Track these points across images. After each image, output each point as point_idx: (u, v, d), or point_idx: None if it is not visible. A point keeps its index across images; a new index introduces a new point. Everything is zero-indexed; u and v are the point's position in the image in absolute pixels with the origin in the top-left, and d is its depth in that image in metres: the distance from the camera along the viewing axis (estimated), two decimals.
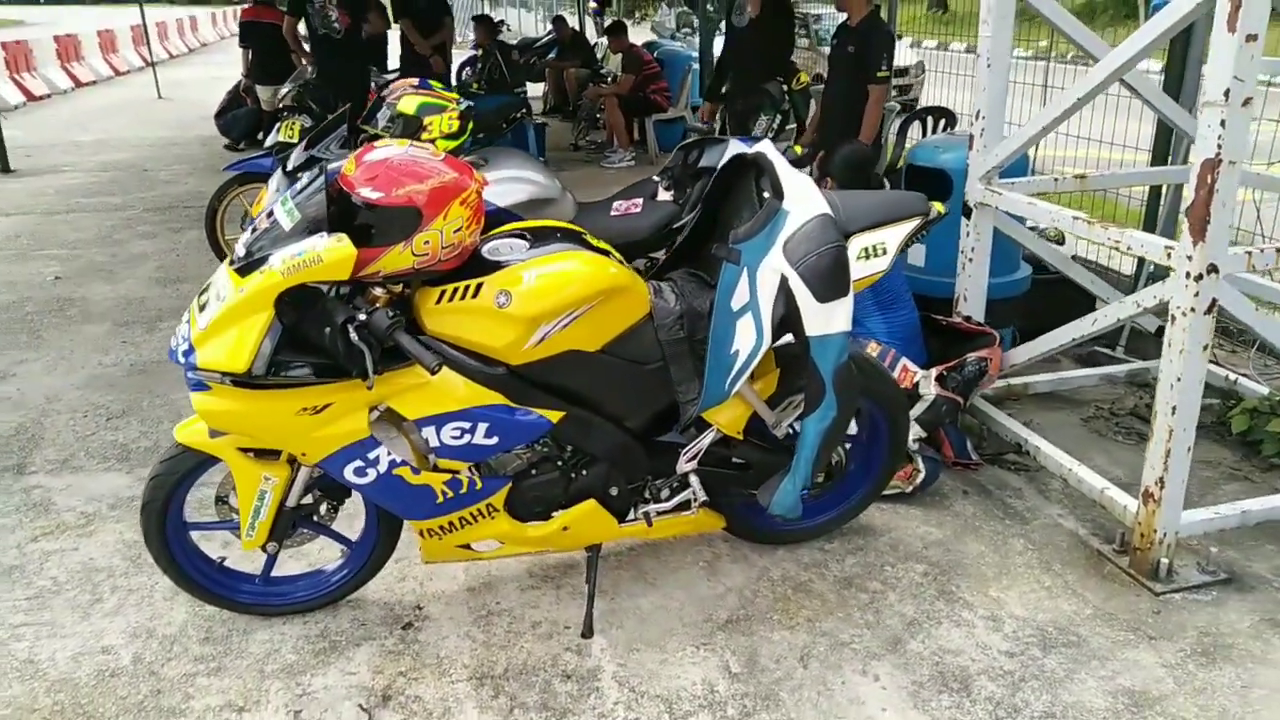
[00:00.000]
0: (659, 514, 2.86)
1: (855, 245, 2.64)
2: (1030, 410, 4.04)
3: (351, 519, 2.84)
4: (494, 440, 2.53)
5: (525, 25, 23.63)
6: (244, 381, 2.32)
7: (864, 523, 3.27)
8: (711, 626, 2.78)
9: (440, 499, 2.57)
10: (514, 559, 3.03)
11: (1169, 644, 2.69)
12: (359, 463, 2.47)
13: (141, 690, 2.55)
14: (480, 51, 10.75)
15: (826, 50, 7.31)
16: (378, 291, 2.41)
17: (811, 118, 6.48)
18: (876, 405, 3.02)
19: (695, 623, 2.80)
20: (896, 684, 2.56)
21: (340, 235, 2.26)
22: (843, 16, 5.57)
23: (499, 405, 2.51)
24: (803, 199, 2.56)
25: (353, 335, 2.24)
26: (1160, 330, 2.87)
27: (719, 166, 2.97)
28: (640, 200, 3.84)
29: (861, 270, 2.65)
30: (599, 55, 12.71)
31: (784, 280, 2.46)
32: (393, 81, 4.54)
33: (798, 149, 3.91)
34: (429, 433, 2.48)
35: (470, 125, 4.08)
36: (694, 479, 2.85)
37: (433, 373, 2.30)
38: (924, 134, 6.52)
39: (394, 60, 9.47)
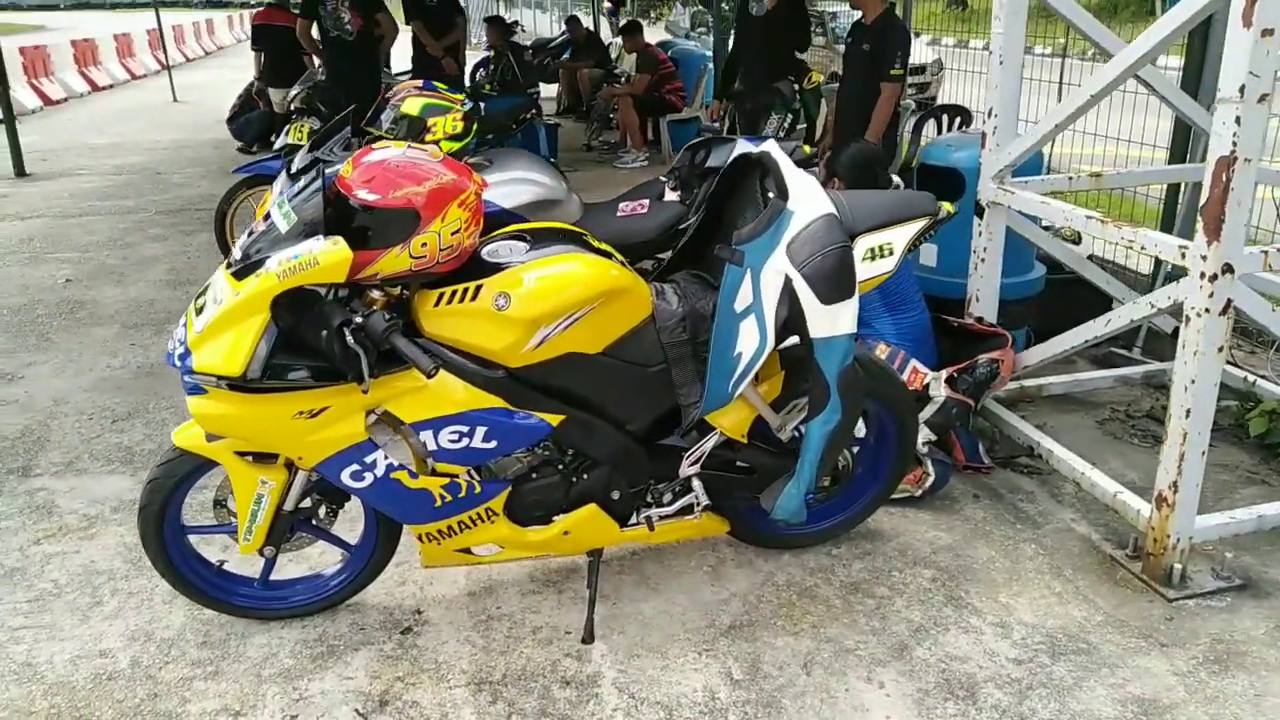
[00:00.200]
0: (661, 518, 2.82)
1: (861, 246, 2.60)
2: (1044, 412, 3.98)
3: (354, 522, 2.82)
4: (493, 444, 2.50)
5: (540, 26, 23.63)
6: (239, 385, 2.29)
7: (872, 527, 3.22)
8: (714, 632, 2.74)
9: (438, 503, 2.54)
10: (516, 563, 3.00)
11: (1181, 651, 2.63)
12: (356, 466, 2.45)
13: (138, 694, 2.54)
14: (493, 53, 10.75)
15: (843, 49, 7.24)
16: (375, 294, 2.38)
17: (825, 119, 6.42)
18: (884, 408, 2.98)
19: (698, 628, 2.76)
20: (901, 691, 2.51)
21: (336, 238, 2.24)
22: (858, 14, 5.52)
23: (498, 408, 2.47)
24: (807, 199, 2.52)
25: (349, 338, 2.22)
26: (1177, 331, 2.81)
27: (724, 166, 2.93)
28: (647, 201, 3.80)
29: (867, 271, 2.60)
30: (613, 55, 12.68)
31: (788, 281, 2.42)
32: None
33: (806, 148, 3.85)
34: (427, 436, 2.46)
35: (475, 126, 4.05)
36: (697, 483, 2.81)
37: (429, 376, 2.27)
38: (939, 132, 6.46)
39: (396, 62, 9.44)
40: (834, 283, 2.41)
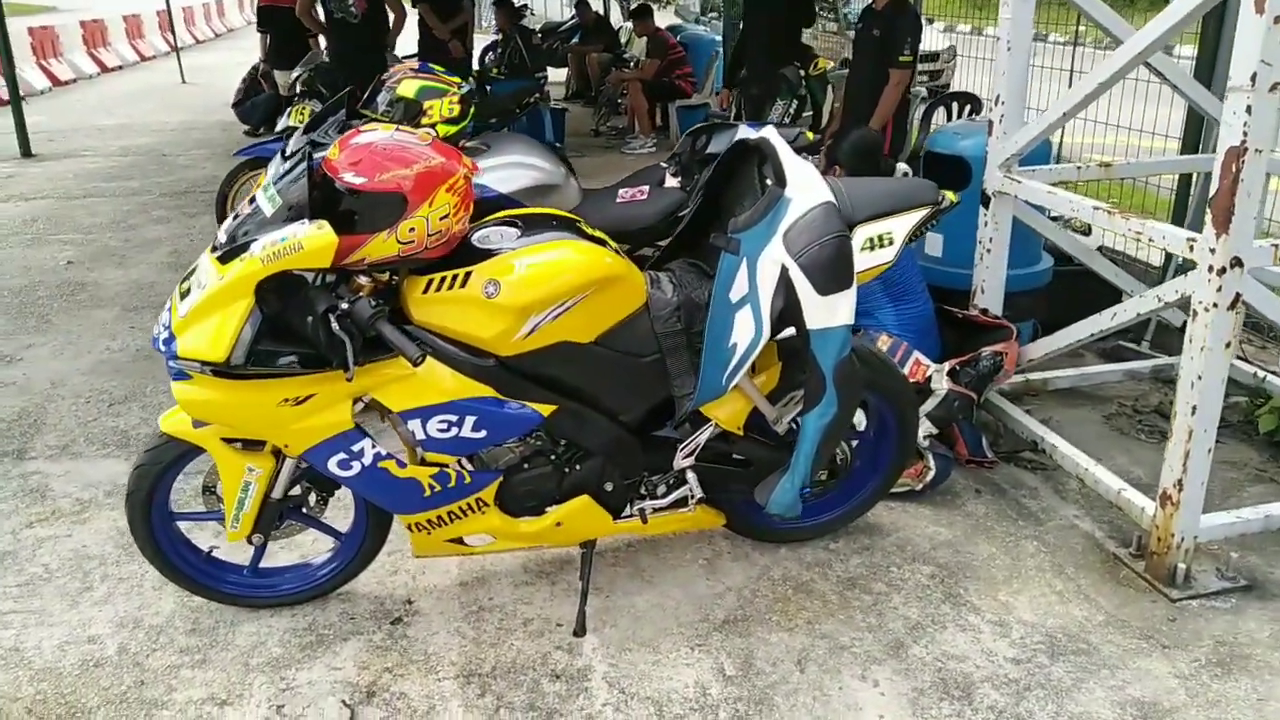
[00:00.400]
0: (655, 510, 2.78)
1: (860, 235, 2.54)
2: (1050, 406, 3.93)
3: (348, 509, 2.79)
4: (482, 433, 2.46)
5: (550, 9, 23.47)
6: (224, 371, 2.26)
7: (871, 521, 3.17)
8: (708, 627, 2.71)
9: (427, 493, 2.50)
10: (509, 554, 2.96)
11: (1183, 653, 2.58)
12: (343, 455, 2.41)
13: (125, 681, 2.51)
14: (501, 36, 10.67)
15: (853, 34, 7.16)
16: (363, 280, 2.34)
17: (831, 106, 6.35)
18: (884, 400, 2.93)
19: (691, 622, 2.72)
20: (896, 690, 2.47)
21: (321, 222, 2.20)
22: None
23: (488, 398, 2.43)
24: (806, 187, 2.46)
25: (334, 324, 2.18)
26: (1185, 325, 2.75)
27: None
28: (646, 187, 3.74)
29: (866, 261, 2.55)
30: (623, 40, 12.58)
31: (784, 271, 2.37)
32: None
33: (809, 134, 3.79)
34: (415, 425, 2.42)
35: (472, 110, 3.99)
36: (691, 475, 2.76)
37: (415, 364, 2.22)
38: (948, 120, 6.37)
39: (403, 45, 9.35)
40: (831, 273, 2.36)
